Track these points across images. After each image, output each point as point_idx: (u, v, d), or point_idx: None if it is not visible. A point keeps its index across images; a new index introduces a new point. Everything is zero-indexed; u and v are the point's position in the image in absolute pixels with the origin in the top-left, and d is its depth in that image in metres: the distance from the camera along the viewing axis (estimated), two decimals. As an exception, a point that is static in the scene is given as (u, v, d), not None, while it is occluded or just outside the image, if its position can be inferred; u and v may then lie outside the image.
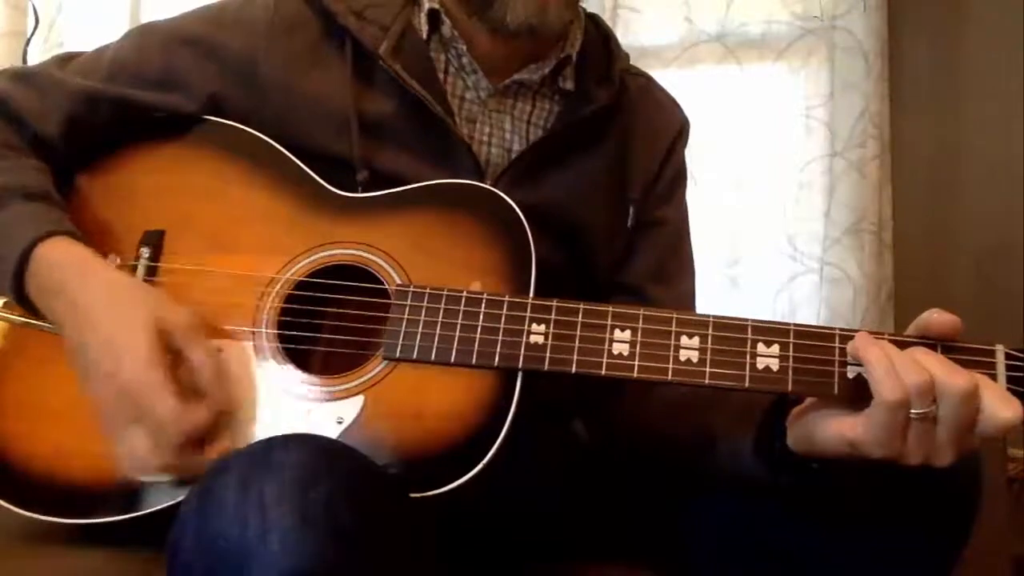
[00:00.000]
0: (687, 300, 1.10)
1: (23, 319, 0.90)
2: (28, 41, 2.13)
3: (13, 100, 0.94)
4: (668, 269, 1.09)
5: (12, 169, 0.90)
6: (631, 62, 1.11)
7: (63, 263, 0.84)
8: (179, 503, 0.69)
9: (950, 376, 0.70)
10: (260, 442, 0.69)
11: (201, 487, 0.67)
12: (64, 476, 0.85)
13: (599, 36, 1.09)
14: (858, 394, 0.74)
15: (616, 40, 1.10)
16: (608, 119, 1.04)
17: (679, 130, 1.12)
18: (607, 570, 0.98)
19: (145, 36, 1.02)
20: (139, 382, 0.77)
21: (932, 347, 0.75)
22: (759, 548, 0.90)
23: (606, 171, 1.04)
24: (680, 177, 1.13)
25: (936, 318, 0.75)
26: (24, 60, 2.09)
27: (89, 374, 0.81)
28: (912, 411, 0.70)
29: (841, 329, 0.77)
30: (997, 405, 0.70)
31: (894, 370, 0.71)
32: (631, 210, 1.06)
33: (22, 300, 0.86)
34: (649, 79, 1.14)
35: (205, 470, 0.72)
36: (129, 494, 0.83)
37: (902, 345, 0.74)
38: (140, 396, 0.77)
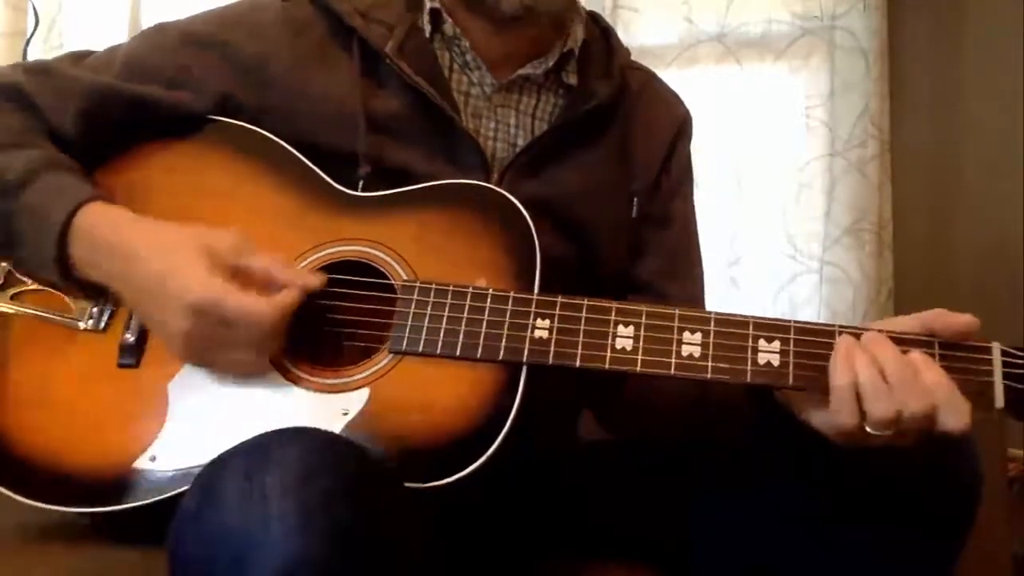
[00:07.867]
0: (699, 295, 1.11)
1: (33, 311, 0.90)
2: (28, 41, 2.14)
3: (30, 93, 0.94)
4: (681, 265, 1.10)
5: (37, 146, 0.91)
6: (631, 61, 1.12)
7: (102, 225, 0.85)
8: (181, 494, 0.69)
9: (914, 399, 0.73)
10: (262, 435, 0.69)
11: (203, 479, 0.68)
12: (70, 466, 0.85)
13: (600, 32, 1.09)
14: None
15: (616, 35, 1.10)
16: (610, 113, 1.05)
17: (681, 123, 1.12)
18: (607, 570, 0.97)
19: (158, 35, 1.02)
20: (212, 291, 0.79)
21: (930, 344, 0.76)
22: (761, 548, 0.90)
23: (609, 165, 1.05)
24: (687, 172, 1.13)
25: (941, 321, 0.76)
26: (24, 60, 2.09)
27: (165, 320, 0.82)
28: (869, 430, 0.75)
29: (841, 326, 0.78)
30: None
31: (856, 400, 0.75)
32: (635, 201, 1.06)
33: (66, 270, 0.86)
34: (650, 74, 1.14)
35: None
36: (133, 484, 0.83)
37: (900, 342, 0.76)
38: (221, 306, 0.79)
